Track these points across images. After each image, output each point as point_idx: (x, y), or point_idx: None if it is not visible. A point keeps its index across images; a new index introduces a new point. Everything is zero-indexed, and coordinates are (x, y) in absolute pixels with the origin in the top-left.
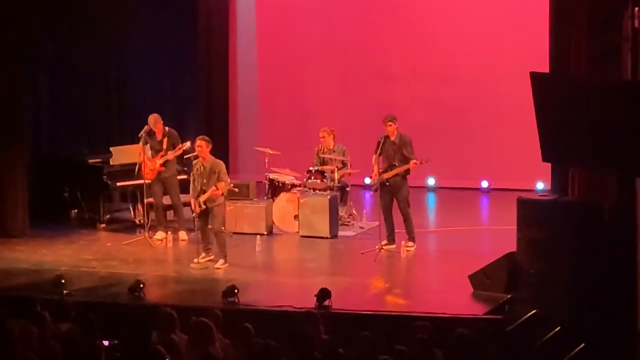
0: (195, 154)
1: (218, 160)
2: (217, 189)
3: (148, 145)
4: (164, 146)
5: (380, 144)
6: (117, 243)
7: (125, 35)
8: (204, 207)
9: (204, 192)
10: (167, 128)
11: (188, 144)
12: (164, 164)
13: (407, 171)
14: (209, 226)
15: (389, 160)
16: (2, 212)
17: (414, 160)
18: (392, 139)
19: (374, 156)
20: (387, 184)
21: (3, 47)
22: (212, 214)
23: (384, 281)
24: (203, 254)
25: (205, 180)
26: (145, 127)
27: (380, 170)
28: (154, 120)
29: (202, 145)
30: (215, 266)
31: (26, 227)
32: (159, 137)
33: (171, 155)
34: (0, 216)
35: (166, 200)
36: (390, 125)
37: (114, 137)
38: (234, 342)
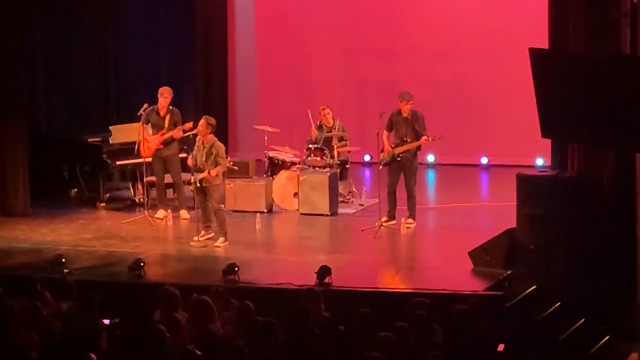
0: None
1: (219, 143)
2: (210, 174)
3: (149, 123)
4: (166, 124)
5: (392, 119)
6: (117, 222)
7: (123, 12)
8: (198, 185)
9: (201, 170)
10: (170, 106)
11: (190, 124)
12: (164, 142)
13: (418, 147)
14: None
15: (400, 135)
16: (3, 192)
17: (425, 137)
18: (405, 115)
19: (385, 131)
20: (399, 159)
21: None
22: (208, 193)
23: (384, 258)
24: (203, 232)
25: (203, 159)
26: (145, 106)
27: (392, 145)
28: (164, 92)
29: (202, 125)
30: (215, 244)
31: (27, 206)
32: (162, 113)
33: (176, 134)
34: (1, 195)
35: (167, 178)
36: (406, 104)
37: (112, 116)
38: (235, 320)
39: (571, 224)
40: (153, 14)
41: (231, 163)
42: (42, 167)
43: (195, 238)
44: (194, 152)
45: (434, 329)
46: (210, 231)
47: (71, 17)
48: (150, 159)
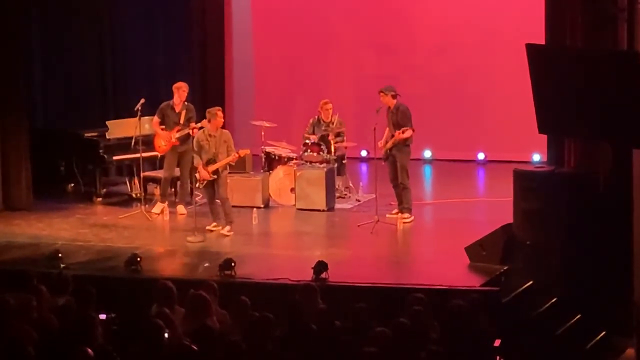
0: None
1: (226, 130)
2: (240, 155)
3: (158, 119)
4: (181, 120)
5: (386, 114)
6: (114, 217)
7: (120, 7)
8: (215, 177)
9: (214, 161)
10: (186, 102)
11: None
12: (180, 139)
13: (404, 140)
14: (216, 195)
15: (390, 130)
16: (6, 185)
17: (398, 131)
18: (391, 109)
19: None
20: (389, 154)
21: None
22: (218, 182)
23: (381, 253)
24: (214, 223)
25: (213, 150)
26: (142, 101)
27: (385, 141)
28: (181, 86)
29: (221, 117)
30: (223, 232)
31: (31, 199)
32: (177, 109)
33: (194, 132)
34: (5, 189)
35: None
36: (383, 96)
37: (109, 111)
38: (231, 315)
39: (568, 219)
40: (150, 8)
41: None
42: (39, 162)
43: (208, 227)
44: (197, 148)
45: (430, 324)
46: (219, 223)
47: (68, 11)
48: (149, 154)
